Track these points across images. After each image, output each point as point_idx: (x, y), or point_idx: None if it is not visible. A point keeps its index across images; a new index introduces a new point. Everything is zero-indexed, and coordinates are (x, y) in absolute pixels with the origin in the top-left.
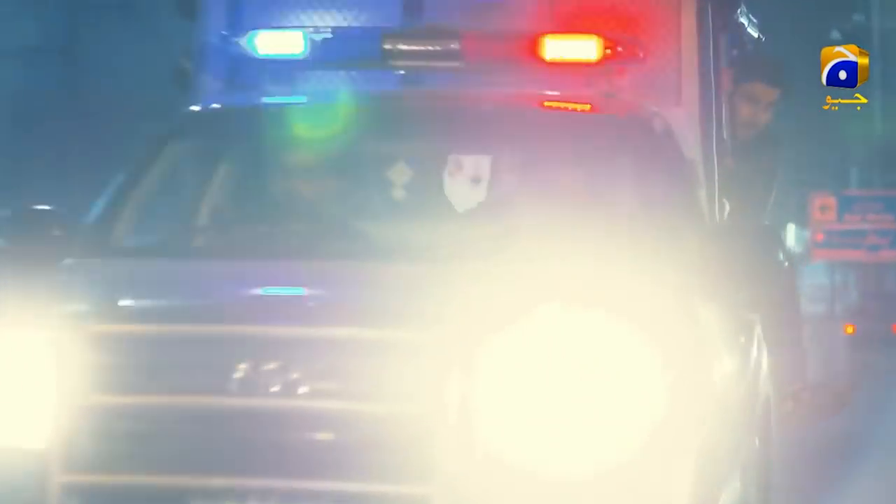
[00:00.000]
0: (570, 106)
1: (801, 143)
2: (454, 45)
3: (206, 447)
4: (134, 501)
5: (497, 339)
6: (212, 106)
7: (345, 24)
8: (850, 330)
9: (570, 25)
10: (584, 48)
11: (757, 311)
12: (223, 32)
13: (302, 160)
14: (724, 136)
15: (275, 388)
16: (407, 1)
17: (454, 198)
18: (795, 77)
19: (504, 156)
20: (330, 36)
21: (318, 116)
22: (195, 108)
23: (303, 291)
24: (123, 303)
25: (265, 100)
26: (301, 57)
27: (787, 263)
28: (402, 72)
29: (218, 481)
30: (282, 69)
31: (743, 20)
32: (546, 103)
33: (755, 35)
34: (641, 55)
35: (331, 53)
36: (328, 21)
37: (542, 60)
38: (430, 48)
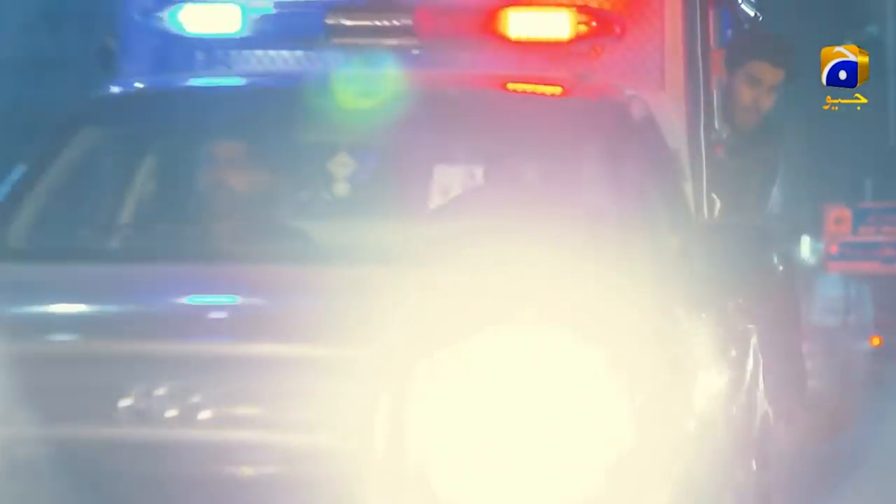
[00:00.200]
0: (536, 89)
1: (813, 154)
2: (406, 21)
3: (89, 485)
4: None
5: (436, 360)
6: (131, 88)
7: None
8: (876, 342)
9: None
10: (555, 23)
11: (754, 321)
12: (146, 6)
13: (231, 150)
14: (715, 123)
15: (171, 414)
16: None
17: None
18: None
19: (461, 146)
20: (271, 11)
21: (251, 102)
22: (113, 89)
23: (211, 301)
24: None
25: (192, 81)
26: (237, 36)
27: (782, 267)
28: (348, 51)
29: None
30: (215, 48)
31: None
32: (508, 85)
33: (752, 13)
34: (619, 31)
35: (270, 31)
36: None
37: (506, 38)
38: (378, 23)
